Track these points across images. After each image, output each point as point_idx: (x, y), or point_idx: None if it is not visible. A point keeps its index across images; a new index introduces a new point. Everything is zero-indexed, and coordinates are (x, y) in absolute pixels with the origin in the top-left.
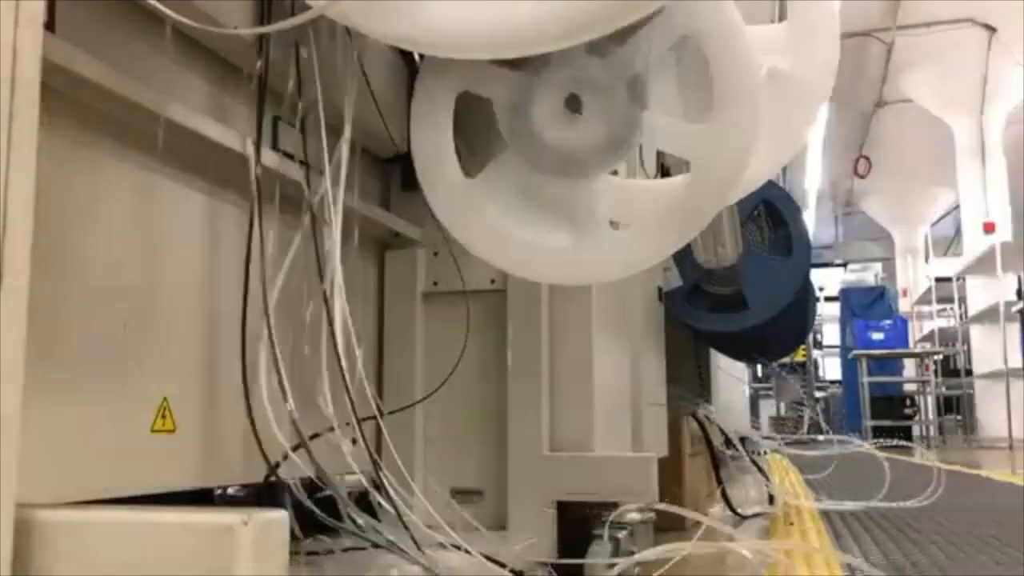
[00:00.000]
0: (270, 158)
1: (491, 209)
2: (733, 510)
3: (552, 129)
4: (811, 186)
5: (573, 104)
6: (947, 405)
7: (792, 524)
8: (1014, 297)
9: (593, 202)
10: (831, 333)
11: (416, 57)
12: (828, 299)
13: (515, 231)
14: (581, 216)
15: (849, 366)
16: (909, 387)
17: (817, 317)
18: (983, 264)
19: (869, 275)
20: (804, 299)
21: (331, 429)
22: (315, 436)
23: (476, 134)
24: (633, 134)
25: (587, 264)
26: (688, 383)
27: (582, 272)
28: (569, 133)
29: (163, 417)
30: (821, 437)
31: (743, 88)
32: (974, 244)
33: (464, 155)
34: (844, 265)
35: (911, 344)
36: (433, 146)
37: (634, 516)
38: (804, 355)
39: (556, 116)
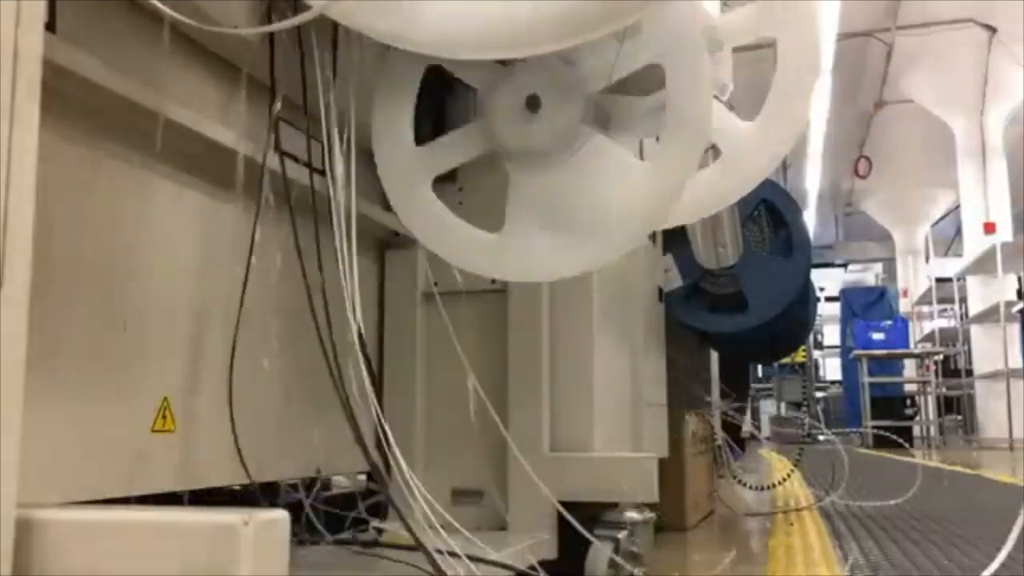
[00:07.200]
0: (273, 159)
1: (431, 187)
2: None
3: (506, 123)
4: (811, 186)
5: (533, 104)
6: (947, 405)
7: (793, 524)
8: (1014, 297)
9: (524, 199)
10: (831, 333)
11: None
12: (828, 299)
13: (450, 214)
14: (512, 210)
15: (849, 366)
16: (910, 387)
17: (817, 317)
18: (983, 264)
19: (869, 275)
20: (804, 299)
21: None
22: None
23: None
24: (572, 148)
25: (509, 261)
26: (689, 383)
27: (501, 267)
28: (521, 131)
29: (163, 417)
30: (821, 437)
31: (691, 141)
32: (974, 244)
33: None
34: (844, 265)
35: (911, 344)
36: (391, 112)
37: (634, 516)
38: (804, 356)
39: (515, 111)
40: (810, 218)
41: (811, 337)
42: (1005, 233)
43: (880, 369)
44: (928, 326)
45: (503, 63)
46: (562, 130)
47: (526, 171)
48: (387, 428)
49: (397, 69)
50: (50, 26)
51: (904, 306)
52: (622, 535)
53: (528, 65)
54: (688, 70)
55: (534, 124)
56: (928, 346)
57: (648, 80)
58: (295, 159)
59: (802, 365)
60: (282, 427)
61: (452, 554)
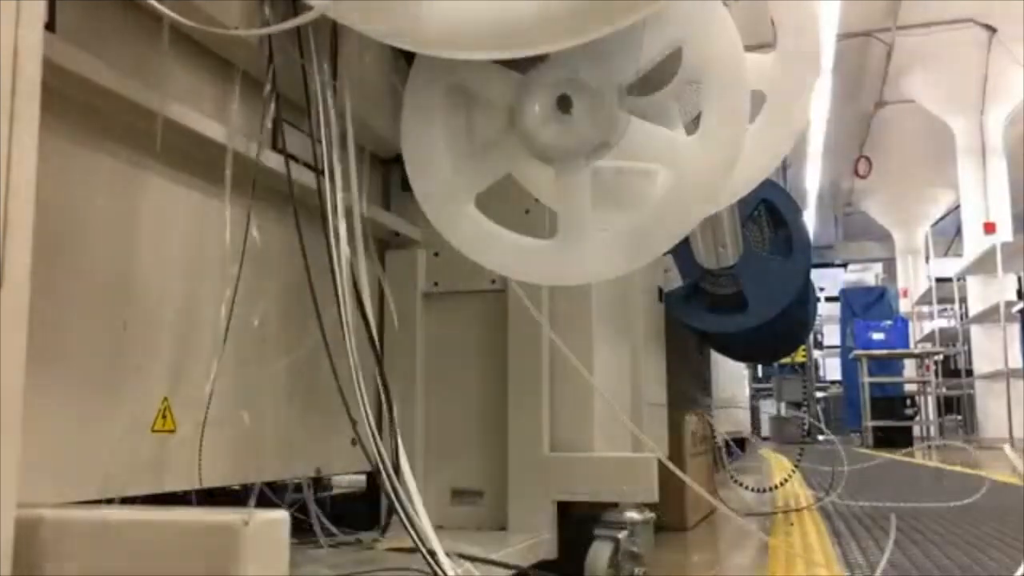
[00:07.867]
0: (273, 159)
1: (473, 203)
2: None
3: (542, 128)
4: (811, 186)
5: (563, 104)
6: (947, 405)
7: (793, 524)
8: (1014, 297)
9: (573, 202)
10: (831, 333)
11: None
12: (828, 299)
13: (495, 227)
14: (562, 215)
15: (849, 366)
16: (910, 387)
17: (817, 317)
18: (983, 264)
19: (869, 275)
20: (804, 300)
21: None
22: None
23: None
24: (615, 137)
25: (563, 265)
26: (689, 383)
27: (558, 273)
28: (558, 132)
29: (163, 417)
30: (821, 437)
31: (731, 98)
32: (974, 244)
33: (459, 149)
34: (844, 265)
35: (911, 344)
36: (422, 138)
37: (634, 516)
38: (804, 356)
39: (546, 115)
40: (810, 218)
41: (811, 337)
42: (1005, 233)
43: (880, 369)
44: (928, 326)
45: (521, 71)
46: (600, 121)
47: (572, 171)
48: (397, 430)
49: (422, 87)
50: (50, 26)
51: (904, 306)
52: (622, 535)
53: (550, 67)
54: (713, 31)
55: (570, 123)
56: (928, 346)
57: (663, 73)
58: (296, 159)
59: (802, 365)
60: (282, 427)
61: (450, 554)
